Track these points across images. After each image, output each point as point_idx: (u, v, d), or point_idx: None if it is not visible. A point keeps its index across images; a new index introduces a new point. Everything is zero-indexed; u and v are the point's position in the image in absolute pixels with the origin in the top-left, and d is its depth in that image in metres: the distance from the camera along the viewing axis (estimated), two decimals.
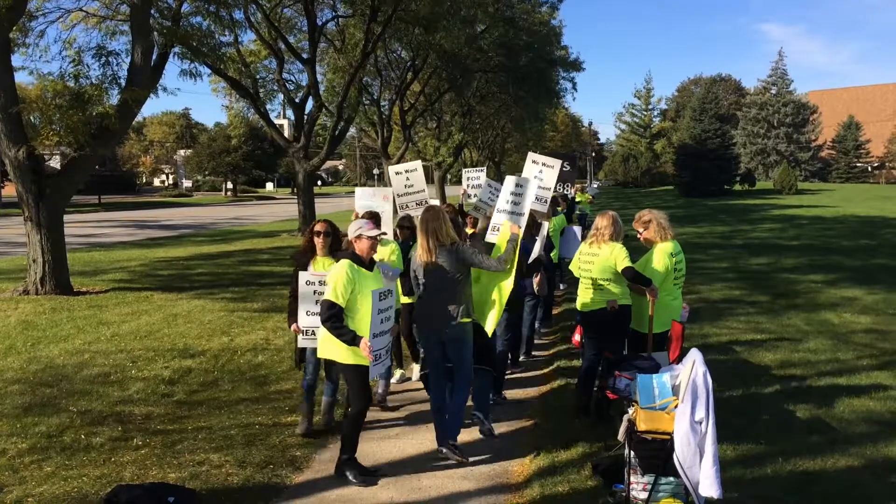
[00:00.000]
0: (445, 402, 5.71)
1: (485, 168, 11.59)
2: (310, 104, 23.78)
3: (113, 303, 11.93)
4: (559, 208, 11.29)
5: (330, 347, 5.17)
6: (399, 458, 5.61)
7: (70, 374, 7.71)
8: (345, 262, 5.05)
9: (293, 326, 6.09)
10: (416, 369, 7.61)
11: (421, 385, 7.53)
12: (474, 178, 10.43)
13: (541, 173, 7.64)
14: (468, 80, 32.40)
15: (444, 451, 5.54)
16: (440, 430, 5.64)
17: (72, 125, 12.49)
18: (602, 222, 6.23)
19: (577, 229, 11.65)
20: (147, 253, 20.18)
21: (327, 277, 5.18)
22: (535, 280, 7.59)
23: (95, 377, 7.58)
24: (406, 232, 7.61)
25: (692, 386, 4.03)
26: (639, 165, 79.92)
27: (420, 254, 5.58)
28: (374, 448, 5.82)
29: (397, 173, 8.34)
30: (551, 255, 9.58)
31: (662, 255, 6.21)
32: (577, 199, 20.65)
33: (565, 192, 11.95)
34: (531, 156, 7.83)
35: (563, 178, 11.25)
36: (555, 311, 11.53)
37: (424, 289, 5.61)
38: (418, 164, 8.49)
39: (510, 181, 6.66)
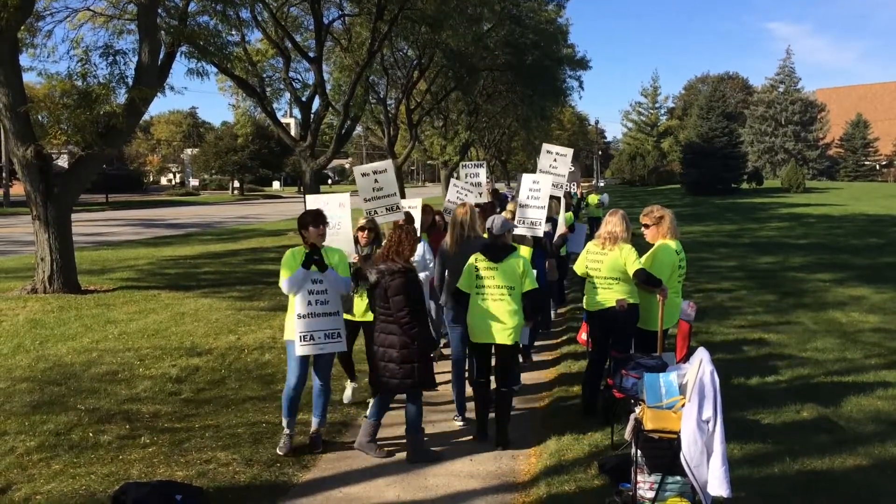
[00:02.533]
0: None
1: (484, 163, 11.55)
2: (316, 103, 23.82)
3: (120, 301, 11.98)
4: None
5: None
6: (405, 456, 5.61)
7: (78, 372, 7.74)
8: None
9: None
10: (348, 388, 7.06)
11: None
12: (473, 174, 10.40)
13: (555, 161, 8.49)
14: (474, 78, 32.40)
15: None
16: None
17: (79, 124, 12.54)
18: (615, 224, 6.18)
19: (584, 226, 11.88)
20: (154, 251, 20.25)
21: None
22: (548, 266, 8.34)
23: (103, 375, 7.61)
24: (371, 234, 6.74)
25: (699, 385, 4.02)
26: (646, 164, 79.70)
27: (448, 242, 6.51)
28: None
29: (364, 175, 7.18)
30: (561, 249, 10.12)
31: (667, 254, 6.20)
32: (587, 201, 20.62)
33: (571, 190, 12.05)
34: (545, 146, 8.72)
35: (569, 178, 11.40)
36: (561, 310, 11.54)
37: (450, 273, 6.43)
38: (388, 164, 7.44)
39: (528, 178, 7.75)
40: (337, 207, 6.90)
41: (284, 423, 5.68)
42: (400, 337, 5.40)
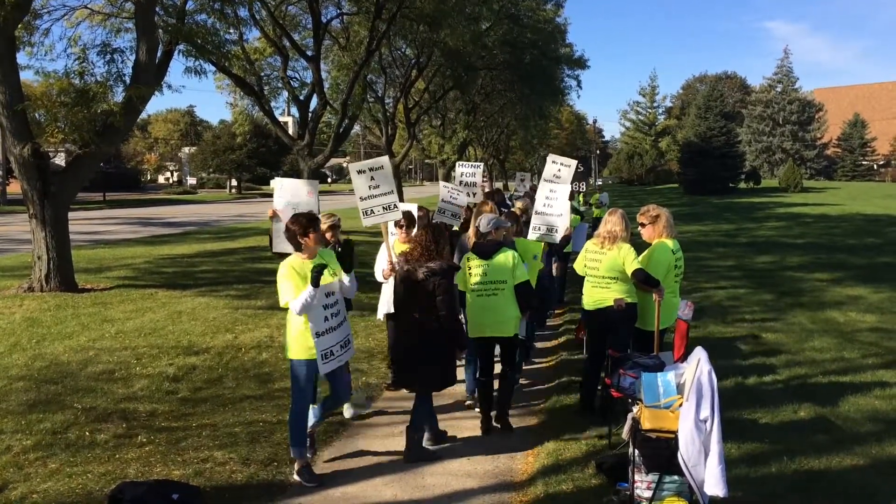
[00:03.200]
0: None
1: (481, 165, 11.56)
2: (314, 102, 23.70)
3: (117, 300, 11.95)
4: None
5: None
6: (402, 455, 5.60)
7: (75, 371, 7.72)
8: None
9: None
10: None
11: None
12: (469, 174, 10.38)
13: (559, 171, 8.67)
14: (473, 77, 32.33)
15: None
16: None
17: (77, 122, 12.49)
18: (615, 223, 6.18)
19: (585, 225, 12.11)
20: (151, 250, 20.20)
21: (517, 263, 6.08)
22: (554, 266, 8.16)
23: (100, 374, 7.60)
24: (338, 231, 6.56)
25: (697, 384, 4.02)
26: (643, 163, 79.78)
27: (471, 237, 6.73)
28: (377, 446, 5.83)
29: (359, 172, 6.59)
30: (565, 248, 10.45)
31: (664, 253, 6.20)
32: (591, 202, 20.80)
33: (578, 189, 12.21)
34: (551, 156, 8.95)
35: (575, 178, 11.68)
36: (558, 311, 11.55)
37: None
38: (385, 160, 6.91)
39: (545, 186, 8.02)
40: (305, 195, 6.39)
41: (296, 452, 5.20)
42: (442, 335, 5.48)
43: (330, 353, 5.11)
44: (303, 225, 5.12)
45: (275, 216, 6.27)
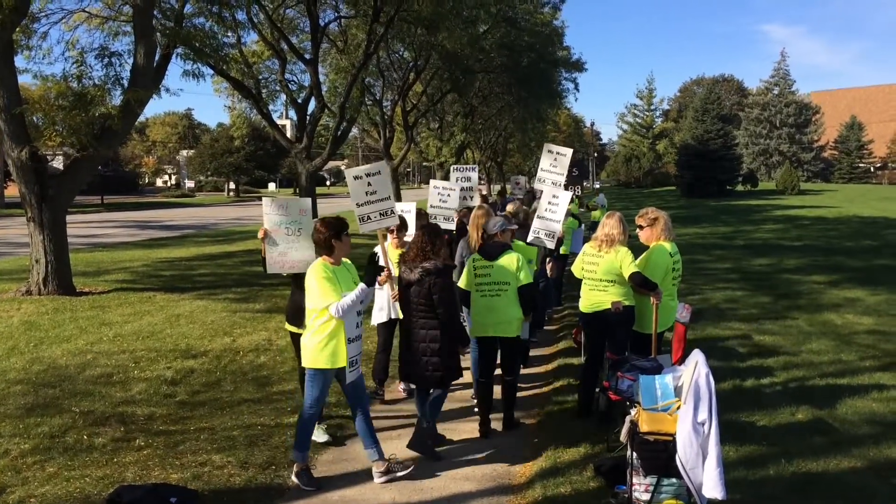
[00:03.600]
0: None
1: (476, 167, 11.59)
2: (312, 105, 23.71)
3: (115, 303, 11.94)
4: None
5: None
6: (401, 458, 5.60)
7: (73, 374, 7.71)
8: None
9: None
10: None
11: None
12: (464, 178, 10.38)
13: (555, 161, 8.91)
14: (470, 80, 32.35)
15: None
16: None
17: (74, 126, 12.50)
18: (613, 226, 6.19)
19: (583, 227, 12.22)
20: (149, 253, 20.19)
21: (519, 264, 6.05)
22: (549, 266, 8.80)
23: (98, 378, 7.59)
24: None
25: (695, 387, 4.03)
26: (641, 166, 79.94)
27: (472, 243, 7.04)
28: None
29: (356, 178, 6.49)
30: (561, 249, 10.49)
31: (661, 255, 6.21)
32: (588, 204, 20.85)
33: (575, 194, 12.28)
34: (547, 146, 9.19)
35: (570, 182, 11.79)
36: (556, 316, 11.56)
37: None
38: (381, 165, 6.83)
39: (548, 192, 8.18)
40: (297, 214, 6.13)
41: (299, 455, 5.18)
42: (443, 333, 5.58)
43: (355, 362, 5.11)
44: (336, 228, 5.09)
45: (266, 237, 6.06)
